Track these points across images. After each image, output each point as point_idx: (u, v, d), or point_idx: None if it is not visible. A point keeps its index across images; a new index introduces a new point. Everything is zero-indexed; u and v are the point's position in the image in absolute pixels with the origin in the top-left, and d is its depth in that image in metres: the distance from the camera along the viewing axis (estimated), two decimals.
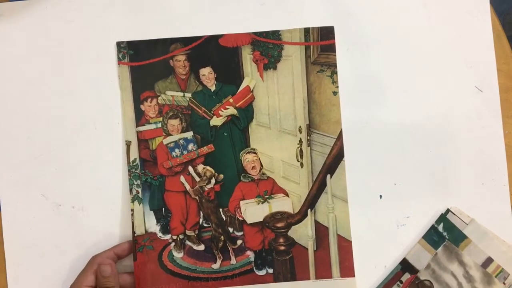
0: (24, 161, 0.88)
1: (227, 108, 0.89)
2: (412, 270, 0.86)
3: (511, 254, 0.84)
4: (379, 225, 0.87)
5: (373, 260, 0.87)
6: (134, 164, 0.88)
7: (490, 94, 0.88)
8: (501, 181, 0.87)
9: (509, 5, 1.19)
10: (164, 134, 0.89)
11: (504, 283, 0.83)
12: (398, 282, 0.86)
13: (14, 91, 0.89)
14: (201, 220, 0.88)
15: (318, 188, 0.87)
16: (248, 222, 0.88)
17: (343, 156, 0.87)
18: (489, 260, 0.84)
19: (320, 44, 0.88)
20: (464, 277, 0.84)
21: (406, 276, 0.86)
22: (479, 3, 0.89)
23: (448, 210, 0.87)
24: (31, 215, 0.88)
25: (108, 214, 0.88)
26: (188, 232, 0.88)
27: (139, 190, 0.88)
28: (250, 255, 0.87)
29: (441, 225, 0.86)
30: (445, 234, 0.86)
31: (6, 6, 0.90)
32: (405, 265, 0.86)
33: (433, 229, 0.86)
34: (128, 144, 0.88)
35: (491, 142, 0.87)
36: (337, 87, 0.88)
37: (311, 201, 0.87)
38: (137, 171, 0.88)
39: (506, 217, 0.86)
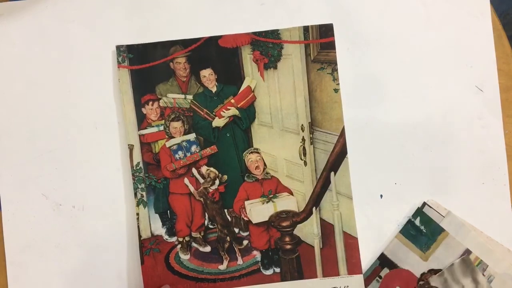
0: (25, 161, 0.88)
1: (229, 109, 0.89)
2: (391, 265, 0.86)
3: (489, 245, 0.85)
4: (379, 225, 0.88)
5: (372, 261, 0.88)
6: (138, 168, 0.88)
7: (490, 94, 0.88)
8: (501, 180, 0.88)
9: (509, 5, 1.19)
10: (166, 136, 0.89)
11: (483, 275, 0.84)
12: (377, 278, 0.86)
13: (14, 91, 0.89)
14: (206, 222, 0.89)
15: (322, 185, 0.88)
16: (254, 222, 0.88)
17: (346, 153, 0.87)
18: (467, 252, 0.84)
19: (320, 41, 0.88)
20: None
21: (385, 271, 0.86)
22: (480, 3, 0.89)
23: (424, 204, 0.87)
24: (31, 214, 0.88)
25: (108, 213, 0.88)
26: (194, 234, 0.89)
27: (144, 193, 0.88)
28: (257, 255, 0.88)
29: (418, 219, 0.86)
30: (422, 227, 0.86)
31: (6, 6, 0.89)
32: (383, 260, 0.87)
33: (410, 223, 0.87)
34: (130, 148, 0.88)
35: (492, 142, 0.88)
36: (338, 84, 0.88)
37: (315, 199, 0.88)
38: (140, 175, 0.88)
39: (506, 217, 0.87)
